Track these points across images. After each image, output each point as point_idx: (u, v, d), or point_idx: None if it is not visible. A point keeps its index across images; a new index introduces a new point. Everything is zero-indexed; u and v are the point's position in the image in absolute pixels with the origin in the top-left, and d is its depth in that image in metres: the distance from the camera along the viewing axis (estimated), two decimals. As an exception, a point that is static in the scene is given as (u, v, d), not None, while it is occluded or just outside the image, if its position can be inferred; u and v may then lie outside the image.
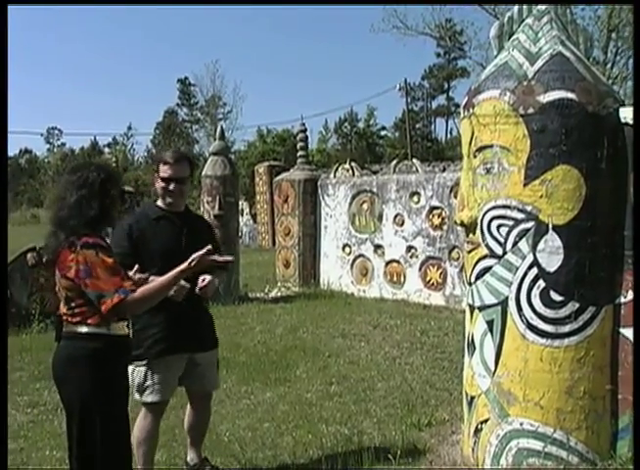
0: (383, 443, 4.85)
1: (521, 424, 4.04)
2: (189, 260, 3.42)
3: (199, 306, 4.27)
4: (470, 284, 4.32)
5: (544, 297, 3.97)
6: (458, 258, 10.60)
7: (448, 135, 71.85)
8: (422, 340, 8.45)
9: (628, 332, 4.01)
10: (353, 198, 12.44)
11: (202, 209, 12.20)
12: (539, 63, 4.04)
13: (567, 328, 3.96)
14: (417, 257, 11.35)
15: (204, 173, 11.96)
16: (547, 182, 3.93)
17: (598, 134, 3.98)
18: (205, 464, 4.47)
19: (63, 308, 3.29)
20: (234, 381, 6.62)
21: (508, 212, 4.03)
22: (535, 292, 3.98)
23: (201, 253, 3.44)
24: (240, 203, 17.70)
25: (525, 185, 3.97)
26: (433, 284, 11.15)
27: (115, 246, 3.84)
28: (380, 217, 11.95)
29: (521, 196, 3.99)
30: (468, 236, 4.34)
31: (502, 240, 4.06)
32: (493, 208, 4.09)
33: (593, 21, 24.68)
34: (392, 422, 5.35)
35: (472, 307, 4.32)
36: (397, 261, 11.66)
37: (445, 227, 10.94)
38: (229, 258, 3.82)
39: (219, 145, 12.20)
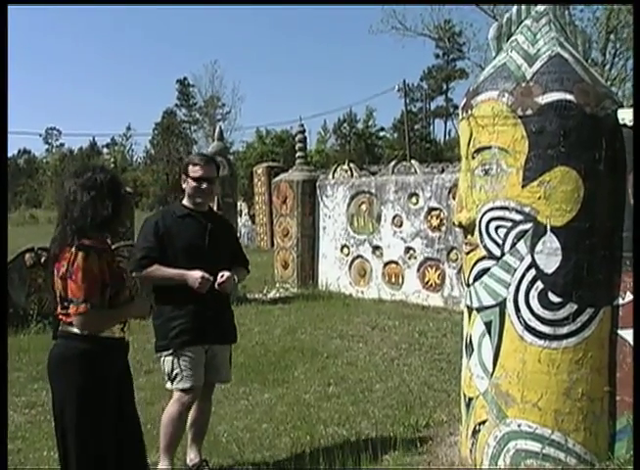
0: (381, 444, 4.84)
1: (519, 425, 4.04)
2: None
3: (221, 300, 4.46)
4: (468, 285, 4.32)
5: (542, 298, 3.97)
6: (456, 260, 10.60)
7: (447, 136, 71.98)
8: (420, 341, 8.45)
9: (626, 334, 4.01)
10: (352, 199, 12.43)
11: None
12: (538, 64, 4.04)
13: (565, 330, 3.96)
14: (415, 258, 11.35)
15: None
16: (545, 183, 3.93)
17: (596, 136, 3.98)
18: (204, 465, 4.49)
19: (58, 308, 3.34)
20: (232, 382, 6.57)
21: (506, 214, 4.04)
22: (533, 293, 3.98)
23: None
24: (238, 204, 17.74)
25: (523, 186, 3.98)
26: (431, 285, 11.15)
27: (143, 240, 4.37)
28: (378, 218, 11.95)
29: (519, 197, 3.99)
30: (466, 237, 4.34)
31: (500, 241, 4.06)
32: (491, 209, 4.09)
33: (592, 22, 24.70)
34: (390, 423, 5.35)
35: (470, 309, 4.32)
36: (396, 262, 11.66)
37: (444, 228, 10.94)
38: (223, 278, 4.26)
39: (218, 146, 12.19)
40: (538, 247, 3.96)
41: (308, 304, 11.36)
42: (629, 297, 4.00)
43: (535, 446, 4.00)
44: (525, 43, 4.18)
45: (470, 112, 4.22)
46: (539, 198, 3.95)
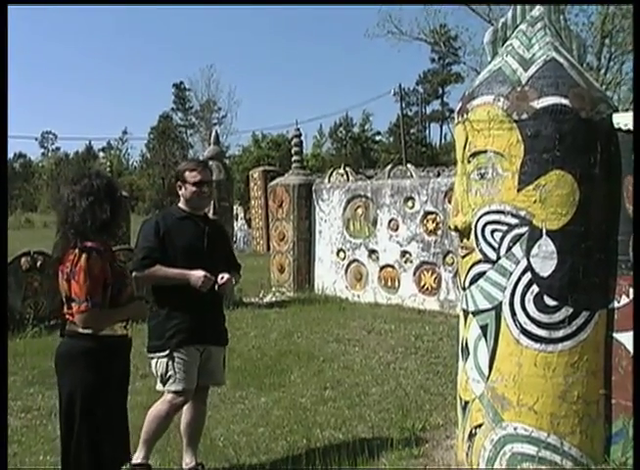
0: (377, 447, 4.85)
1: (515, 429, 4.05)
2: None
3: (217, 303, 4.57)
4: (464, 289, 4.33)
5: (538, 302, 3.98)
6: (452, 263, 10.61)
7: (443, 140, 72.15)
8: (416, 345, 8.45)
9: (622, 337, 4.02)
10: (348, 203, 12.44)
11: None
12: (533, 69, 4.06)
13: (560, 333, 3.97)
14: (411, 261, 11.36)
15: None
16: (541, 187, 3.95)
17: (591, 140, 4.00)
18: (200, 469, 4.49)
19: (64, 308, 3.49)
20: (228, 386, 6.58)
21: (502, 218, 4.05)
22: (529, 297, 3.99)
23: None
24: (234, 208, 17.74)
25: (518, 190, 3.99)
26: (427, 289, 11.16)
27: (144, 240, 4.44)
28: (374, 222, 11.96)
29: (514, 201, 4.00)
30: (462, 241, 4.35)
31: (496, 245, 4.07)
32: (487, 213, 4.10)
33: (586, 27, 24.82)
34: (387, 427, 5.36)
35: (466, 312, 4.33)
36: (392, 266, 11.67)
37: (440, 232, 10.96)
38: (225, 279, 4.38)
39: (214, 150, 12.18)
40: (534, 250, 3.98)
41: (304, 307, 11.36)
42: (625, 300, 4.01)
43: (531, 450, 4.00)
44: (520, 48, 4.19)
45: (465, 116, 4.24)
46: (535, 202, 3.96)
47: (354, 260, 12.34)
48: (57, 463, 4.58)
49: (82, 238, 3.40)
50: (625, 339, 4.00)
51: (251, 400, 6.20)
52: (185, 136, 71.10)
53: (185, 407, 4.56)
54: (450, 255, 10.73)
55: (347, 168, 13.44)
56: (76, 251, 3.36)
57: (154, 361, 4.37)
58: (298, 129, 14.74)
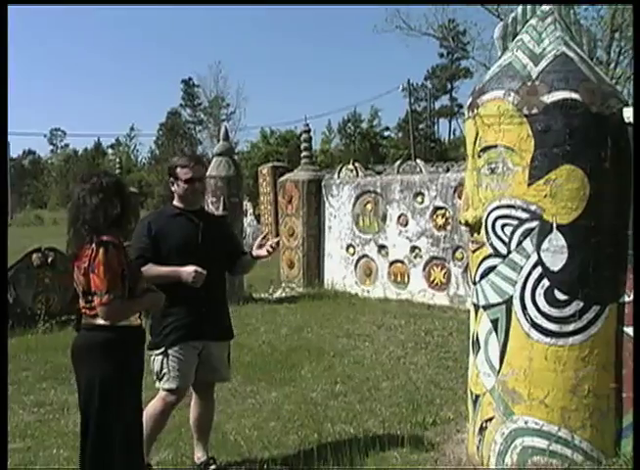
0: (388, 441, 4.86)
1: (525, 422, 4.06)
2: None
3: (216, 297, 4.50)
4: (474, 283, 4.35)
5: (548, 296, 3.99)
6: (462, 259, 10.62)
7: (451, 136, 72.04)
8: (426, 339, 8.46)
9: (632, 331, 4.03)
10: (357, 198, 12.45)
11: (206, 209, 12.22)
12: (543, 63, 4.06)
13: (571, 327, 3.98)
14: (421, 257, 11.37)
15: (208, 174, 11.94)
16: (551, 182, 3.95)
17: (602, 134, 4.00)
18: (211, 463, 4.52)
19: (81, 302, 3.54)
20: (239, 381, 6.64)
21: (512, 212, 4.06)
22: (540, 291, 4.00)
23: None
24: (244, 203, 17.73)
25: (529, 185, 4.00)
26: (436, 284, 11.16)
27: (136, 241, 4.38)
28: (384, 218, 11.96)
29: (525, 195, 4.01)
30: (472, 236, 4.36)
31: (506, 239, 4.08)
32: (498, 207, 4.11)
33: (596, 21, 24.69)
34: (397, 421, 5.37)
35: (476, 307, 4.34)
36: (401, 262, 11.68)
37: (449, 227, 10.96)
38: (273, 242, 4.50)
39: (223, 146, 12.20)
40: (544, 245, 3.99)
41: (314, 303, 11.39)
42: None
43: (542, 443, 4.02)
44: (530, 42, 4.20)
45: (476, 111, 4.25)
46: (545, 196, 3.97)
47: (364, 256, 12.35)
48: (70, 457, 4.67)
49: (97, 233, 3.44)
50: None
51: (262, 395, 6.23)
52: (194, 132, 71.19)
53: (192, 404, 4.59)
54: (460, 250, 10.73)
55: (357, 164, 13.43)
56: (93, 245, 3.40)
57: (151, 359, 4.35)
58: (307, 125, 14.77)
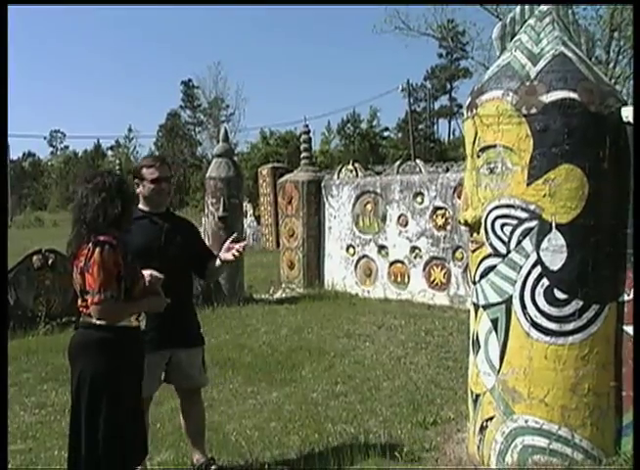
0: (389, 441, 4.88)
1: (526, 421, 4.07)
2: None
3: (182, 302, 4.36)
4: (474, 283, 4.36)
5: (548, 295, 4.00)
6: (462, 259, 10.63)
7: (451, 136, 72.04)
8: (426, 339, 8.48)
9: (632, 330, 4.04)
10: (357, 199, 12.46)
11: (206, 210, 12.26)
12: (542, 63, 4.08)
13: (571, 326, 3.99)
14: (421, 257, 11.38)
15: (208, 175, 11.99)
16: (550, 181, 3.96)
17: (600, 133, 4.01)
18: (212, 464, 4.51)
19: (78, 301, 3.55)
20: (240, 381, 6.65)
21: (512, 212, 4.07)
22: (539, 290, 4.01)
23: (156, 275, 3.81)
24: (244, 205, 17.74)
25: (528, 184, 4.01)
26: (437, 284, 11.18)
27: None
28: (383, 218, 11.98)
29: (524, 195, 4.02)
30: (472, 235, 4.37)
31: (506, 239, 4.09)
32: (497, 207, 4.12)
33: (595, 20, 24.64)
34: (398, 421, 5.38)
35: (476, 306, 4.35)
36: (401, 262, 11.69)
37: (449, 227, 10.98)
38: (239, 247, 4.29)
39: (223, 147, 12.21)
40: (544, 244, 4.00)
41: (314, 303, 11.40)
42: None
43: (542, 442, 4.03)
44: (528, 42, 4.21)
45: (474, 111, 4.26)
46: (544, 195, 3.98)
47: (364, 256, 12.36)
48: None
49: (95, 232, 3.46)
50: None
51: (263, 396, 6.24)
52: (193, 134, 71.24)
53: (181, 412, 4.58)
54: (460, 250, 10.75)
55: (356, 164, 13.44)
56: (90, 245, 3.43)
57: None
58: (307, 125, 14.78)
